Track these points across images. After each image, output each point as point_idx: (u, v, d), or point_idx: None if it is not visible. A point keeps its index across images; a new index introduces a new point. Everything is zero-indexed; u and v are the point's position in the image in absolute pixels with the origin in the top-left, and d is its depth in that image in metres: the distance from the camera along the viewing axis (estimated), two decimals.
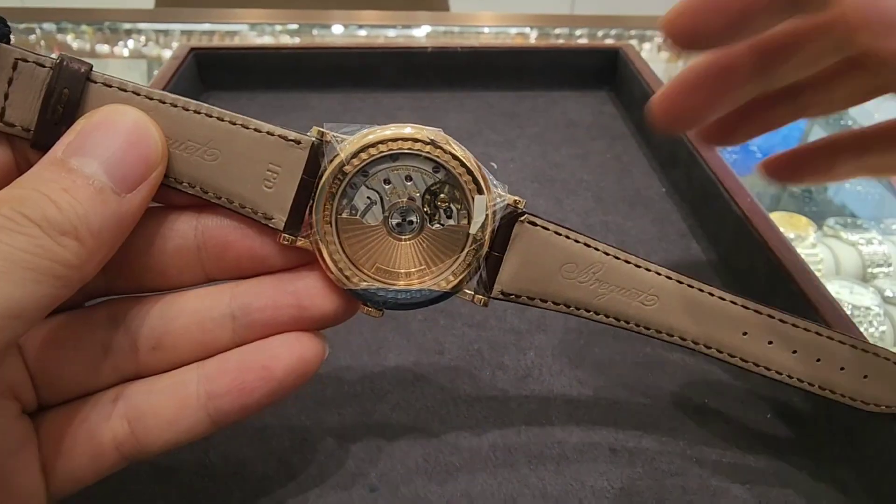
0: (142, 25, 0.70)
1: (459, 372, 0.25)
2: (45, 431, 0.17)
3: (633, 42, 0.71)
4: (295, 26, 0.71)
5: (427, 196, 0.18)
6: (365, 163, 0.17)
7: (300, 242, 0.18)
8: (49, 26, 0.68)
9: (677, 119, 0.22)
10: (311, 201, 0.18)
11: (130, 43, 0.67)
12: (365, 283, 0.18)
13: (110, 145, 0.16)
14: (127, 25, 0.70)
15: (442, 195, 0.18)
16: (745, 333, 0.20)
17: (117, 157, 0.16)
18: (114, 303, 0.18)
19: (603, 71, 0.48)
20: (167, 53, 0.65)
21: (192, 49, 0.46)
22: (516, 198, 0.18)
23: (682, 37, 0.19)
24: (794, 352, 0.20)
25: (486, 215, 0.18)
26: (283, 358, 0.18)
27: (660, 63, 0.69)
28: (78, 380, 0.18)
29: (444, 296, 0.19)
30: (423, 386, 0.25)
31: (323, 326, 0.19)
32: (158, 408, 0.17)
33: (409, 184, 0.18)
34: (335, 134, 0.18)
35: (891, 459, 0.21)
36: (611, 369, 0.26)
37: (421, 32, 0.70)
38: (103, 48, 0.66)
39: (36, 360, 0.17)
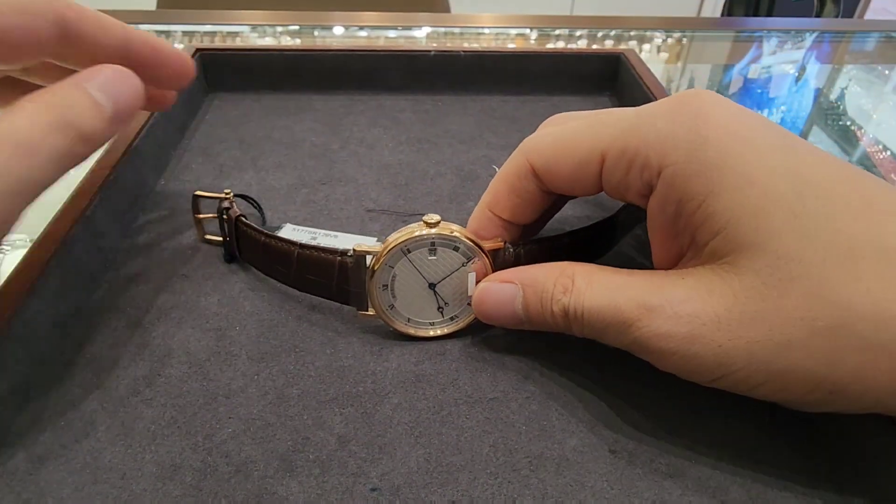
0: (143, 26, 0.70)
1: (461, 373, 0.26)
2: None
3: (633, 43, 0.72)
4: (296, 27, 0.71)
5: None
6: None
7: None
8: None
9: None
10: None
11: None
12: None
13: (120, 91, 0.23)
14: (129, 26, 0.70)
15: None
16: None
17: (119, 101, 0.23)
18: None
19: (604, 76, 0.48)
20: None
21: (198, 49, 0.46)
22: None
23: None
24: None
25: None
26: None
27: (659, 64, 0.69)
28: None
29: None
30: (424, 386, 0.25)
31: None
32: None
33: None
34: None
35: (890, 462, 0.21)
36: (611, 371, 0.26)
37: (421, 33, 0.70)
38: None
39: None
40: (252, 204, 0.34)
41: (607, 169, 0.23)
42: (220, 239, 0.31)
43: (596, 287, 0.23)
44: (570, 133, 0.24)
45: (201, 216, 0.32)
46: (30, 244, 0.27)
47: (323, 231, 0.33)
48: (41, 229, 0.28)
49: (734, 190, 0.19)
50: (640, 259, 0.32)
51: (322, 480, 0.22)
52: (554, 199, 0.27)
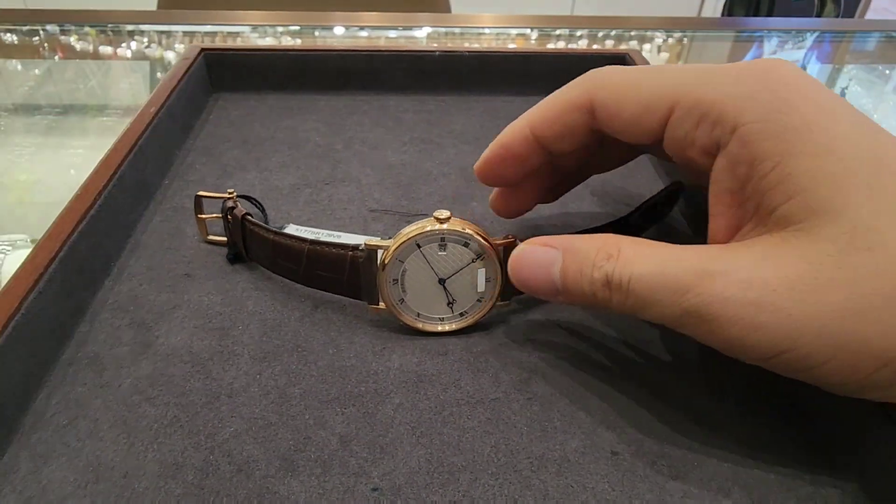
0: (144, 27, 0.70)
1: (463, 373, 0.26)
2: None
3: (633, 43, 0.72)
4: (297, 28, 0.71)
5: None
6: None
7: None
8: (52, 28, 0.69)
9: (494, 181, 0.29)
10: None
11: (133, 44, 0.68)
12: None
13: None
14: (130, 27, 0.70)
15: None
16: None
17: None
18: None
19: None
20: (170, 55, 0.65)
21: (203, 49, 0.46)
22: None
23: (488, 181, 0.29)
24: None
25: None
26: None
27: (660, 64, 0.69)
28: None
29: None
30: (426, 387, 0.25)
31: None
32: None
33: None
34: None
35: (890, 462, 0.21)
36: (613, 373, 0.26)
37: (422, 34, 0.70)
38: (106, 49, 0.66)
39: None
40: (255, 204, 0.34)
41: (676, 119, 0.22)
42: (224, 239, 0.31)
43: (647, 255, 0.21)
44: (641, 73, 0.23)
45: (204, 216, 0.32)
46: (31, 244, 0.27)
47: (326, 231, 0.33)
48: (45, 229, 0.28)
49: (814, 155, 0.19)
50: None
51: (323, 480, 0.22)
52: (595, 146, 0.26)
